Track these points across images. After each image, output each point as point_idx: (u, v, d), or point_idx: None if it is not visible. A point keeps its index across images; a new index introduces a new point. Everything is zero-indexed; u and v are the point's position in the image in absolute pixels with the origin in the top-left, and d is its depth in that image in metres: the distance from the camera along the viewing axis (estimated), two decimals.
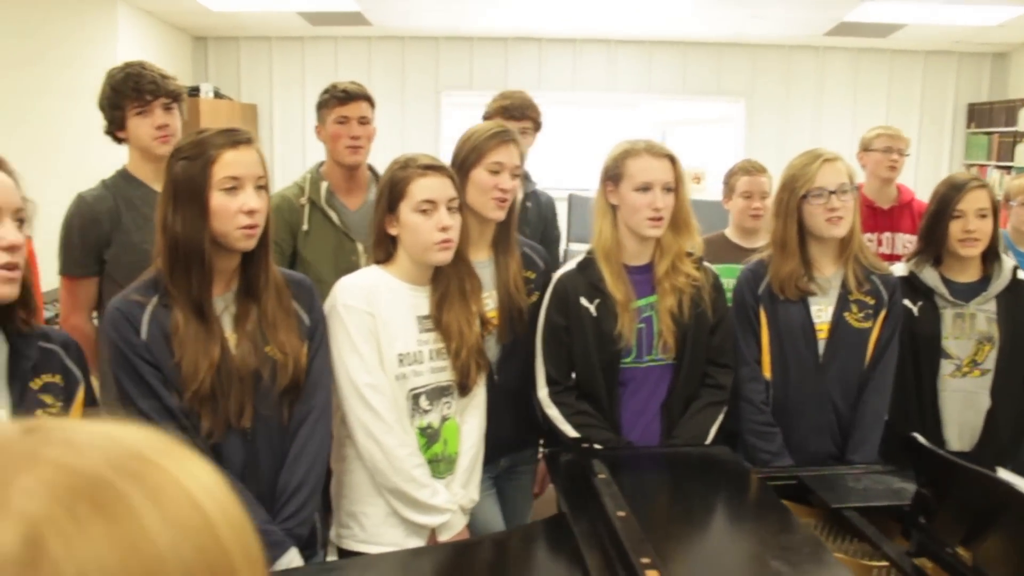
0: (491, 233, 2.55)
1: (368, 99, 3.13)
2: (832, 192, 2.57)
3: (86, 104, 6.43)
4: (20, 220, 1.67)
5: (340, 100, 3.07)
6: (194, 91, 6.97)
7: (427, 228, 2.19)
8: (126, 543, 0.42)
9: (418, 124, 7.49)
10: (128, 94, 2.67)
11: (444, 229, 2.19)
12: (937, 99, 7.80)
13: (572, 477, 2.20)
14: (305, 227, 2.99)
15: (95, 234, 2.68)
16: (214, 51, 7.92)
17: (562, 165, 7.30)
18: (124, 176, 2.78)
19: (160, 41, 7.29)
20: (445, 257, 2.22)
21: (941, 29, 6.94)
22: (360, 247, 3.02)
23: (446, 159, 3.07)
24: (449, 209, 2.21)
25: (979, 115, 7.74)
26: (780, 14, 6.65)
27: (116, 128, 2.73)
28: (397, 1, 6.61)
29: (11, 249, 1.61)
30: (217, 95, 7.05)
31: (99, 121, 6.64)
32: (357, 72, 7.74)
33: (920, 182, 6.51)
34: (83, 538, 0.41)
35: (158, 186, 2.74)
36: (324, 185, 3.05)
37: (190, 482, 0.48)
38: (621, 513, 1.87)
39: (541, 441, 2.78)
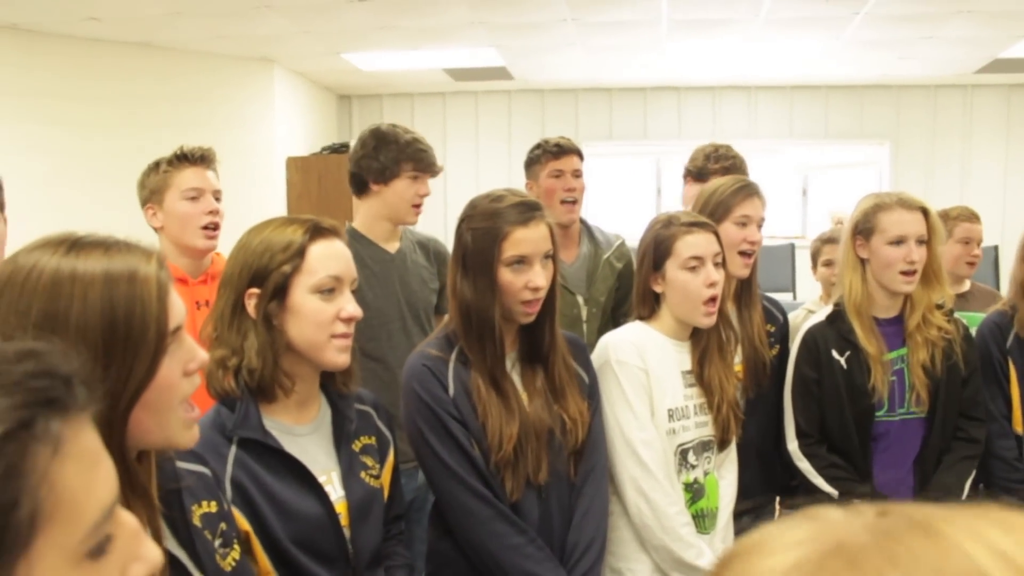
0: (734, 287, 2.55)
1: (579, 153, 3.17)
2: None
3: (246, 160, 6.72)
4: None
5: (553, 155, 3.11)
6: (343, 147, 7.17)
7: (696, 285, 2.19)
8: None
9: None
10: (409, 158, 2.77)
11: (712, 285, 2.19)
12: None
13: None
14: None
15: None
16: (358, 108, 8.16)
17: None
18: (352, 234, 2.85)
19: (309, 100, 7.56)
20: (710, 321, 2.22)
21: None
22: (580, 299, 3.05)
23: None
24: (715, 264, 2.22)
25: None
26: (929, 54, 6.53)
27: (377, 180, 2.81)
28: (539, 55, 6.71)
29: (350, 321, 1.66)
30: None
31: (259, 175, 6.88)
32: (498, 125, 7.89)
33: None
34: None
35: (386, 244, 2.85)
36: None
37: None
38: None
39: (778, 497, 2.74)
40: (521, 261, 1.93)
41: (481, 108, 7.98)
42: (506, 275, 1.93)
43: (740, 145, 3.50)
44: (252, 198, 6.42)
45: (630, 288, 3.25)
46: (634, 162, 7.98)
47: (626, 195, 7.71)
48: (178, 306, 1.18)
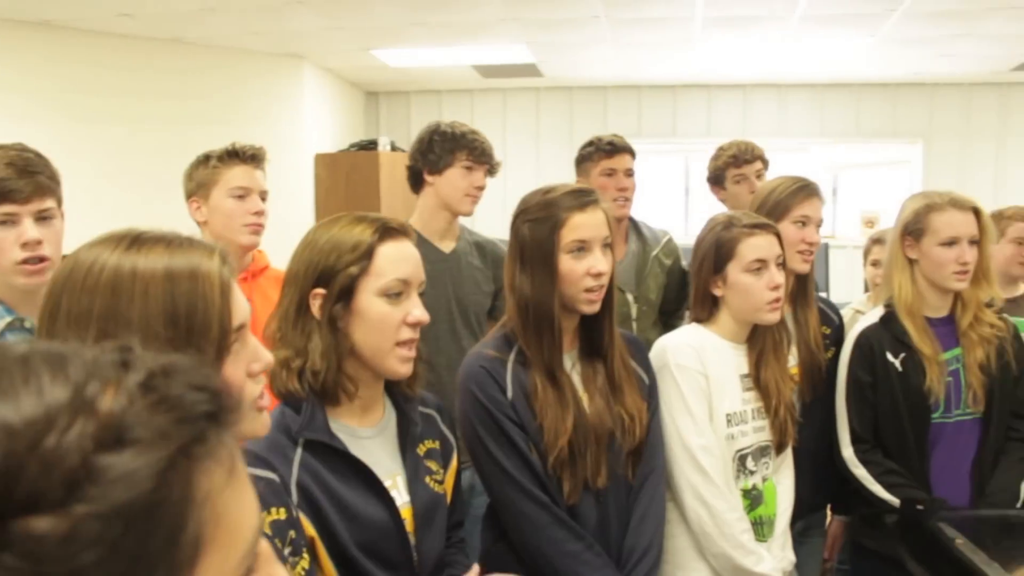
0: (790, 288, 2.50)
1: (632, 151, 3.14)
2: None
3: (274, 156, 6.69)
4: None
5: (607, 153, 3.09)
6: (372, 144, 7.15)
7: (759, 288, 2.15)
8: None
9: None
10: (463, 147, 2.79)
11: (776, 288, 2.15)
12: None
13: (917, 543, 2.11)
14: None
15: None
16: (385, 105, 8.13)
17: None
18: None
19: (337, 97, 7.54)
20: (775, 317, 2.18)
21: None
22: (630, 297, 3.01)
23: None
24: (777, 267, 2.17)
25: None
26: (965, 52, 6.42)
27: (432, 171, 2.81)
28: (570, 52, 6.66)
29: (416, 325, 1.62)
30: (393, 148, 7.22)
31: (288, 172, 6.90)
32: (526, 122, 7.85)
33: None
34: None
35: (442, 243, 2.82)
36: None
37: None
38: None
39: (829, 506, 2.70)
40: (581, 248, 1.90)
41: (509, 106, 7.94)
42: (567, 263, 1.90)
43: (770, 144, 3.51)
44: (281, 194, 6.36)
45: (678, 285, 3.23)
46: (663, 160, 7.91)
47: (654, 193, 7.62)
48: (242, 304, 1.14)
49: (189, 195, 2.51)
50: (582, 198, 1.93)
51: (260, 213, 2.48)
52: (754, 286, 2.15)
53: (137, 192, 5.65)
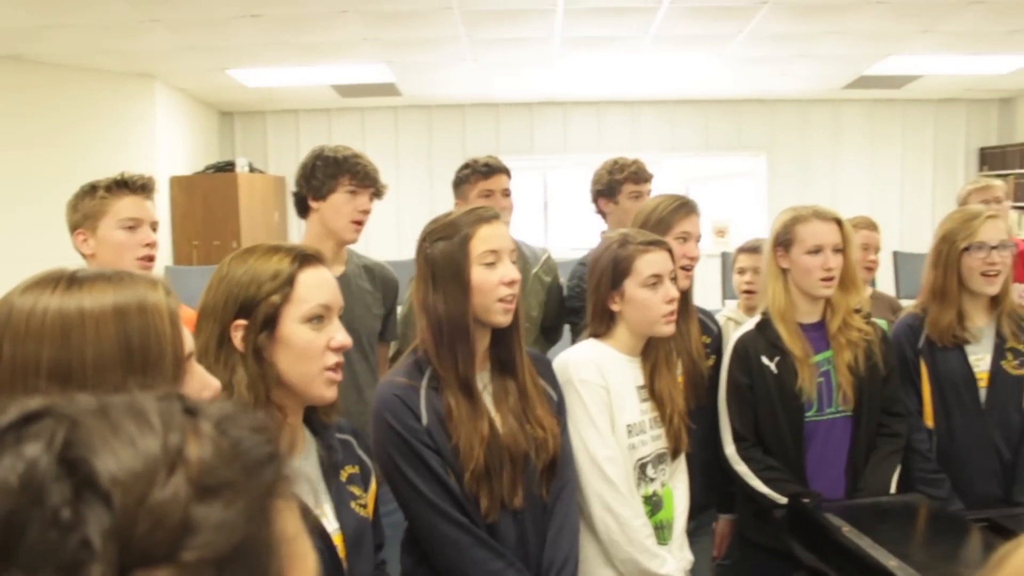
0: None
1: (507, 171, 3.21)
2: (993, 247, 2.69)
3: None
4: None
5: (483, 174, 3.14)
6: (229, 165, 6.99)
7: (656, 302, 2.25)
8: None
9: (446, 189, 7.45)
10: (346, 171, 2.75)
11: (671, 301, 2.25)
12: (949, 145, 8.06)
13: (806, 534, 2.25)
14: None
15: None
16: (240, 125, 7.97)
17: (588, 225, 7.40)
18: None
19: (191, 117, 7.33)
20: (671, 329, 2.28)
21: (953, 79, 7.22)
22: None
23: None
24: (671, 281, 2.28)
25: (991, 159, 8.02)
26: (801, 71, 6.86)
27: (316, 196, 2.77)
28: (429, 71, 6.72)
29: (340, 350, 1.63)
30: (251, 169, 7.09)
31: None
32: (385, 140, 7.84)
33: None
34: None
35: (331, 268, 2.80)
36: None
37: None
38: (893, 563, 1.92)
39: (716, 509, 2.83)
40: (492, 259, 1.95)
41: (367, 125, 7.92)
42: (480, 273, 1.94)
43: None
44: None
45: (557, 302, 3.31)
46: (521, 176, 8.02)
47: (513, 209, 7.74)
48: (188, 333, 1.15)
49: (74, 227, 2.40)
50: (484, 212, 2.00)
51: (152, 244, 2.40)
52: (651, 300, 2.25)
53: None
